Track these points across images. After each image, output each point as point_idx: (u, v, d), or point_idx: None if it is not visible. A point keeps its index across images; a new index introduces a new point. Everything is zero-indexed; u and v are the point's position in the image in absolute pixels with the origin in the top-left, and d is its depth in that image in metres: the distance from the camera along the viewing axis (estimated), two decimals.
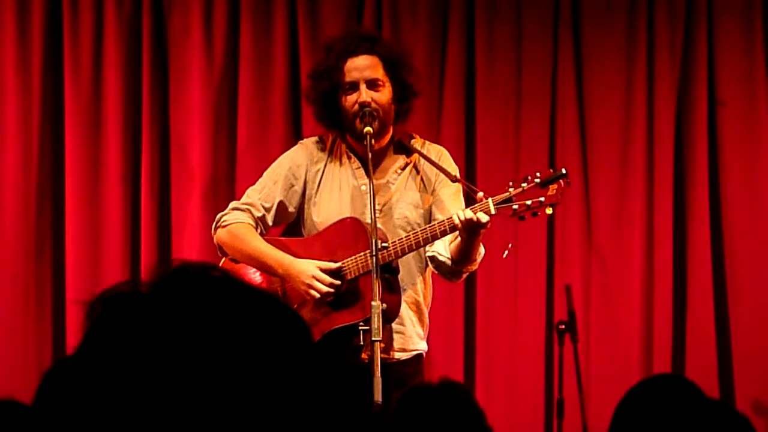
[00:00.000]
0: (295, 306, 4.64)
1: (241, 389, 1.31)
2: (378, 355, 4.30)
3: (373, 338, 4.32)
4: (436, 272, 4.68)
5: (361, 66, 4.65)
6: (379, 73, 4.65)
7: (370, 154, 4.52)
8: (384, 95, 4.65)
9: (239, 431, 1.30)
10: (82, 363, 1.35)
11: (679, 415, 2.38)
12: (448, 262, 4.57)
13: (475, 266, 4.61)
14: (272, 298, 1.39)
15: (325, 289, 4.54)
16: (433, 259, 4.62)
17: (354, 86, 4.64)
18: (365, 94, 4.62)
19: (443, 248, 4.57)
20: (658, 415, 2.42)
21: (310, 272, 4.57)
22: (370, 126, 4.57)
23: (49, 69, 6.07)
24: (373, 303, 4.33)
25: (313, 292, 4.55)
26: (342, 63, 4.66)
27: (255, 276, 4.73)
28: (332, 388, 1.39)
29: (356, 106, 4.62)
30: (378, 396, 4.26)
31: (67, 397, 1.34)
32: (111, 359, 1.32)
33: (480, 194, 4.41)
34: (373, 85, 4.64)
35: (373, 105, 4.61)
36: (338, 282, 4.56)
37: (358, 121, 4.61)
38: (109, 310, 1.35)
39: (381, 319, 4.33)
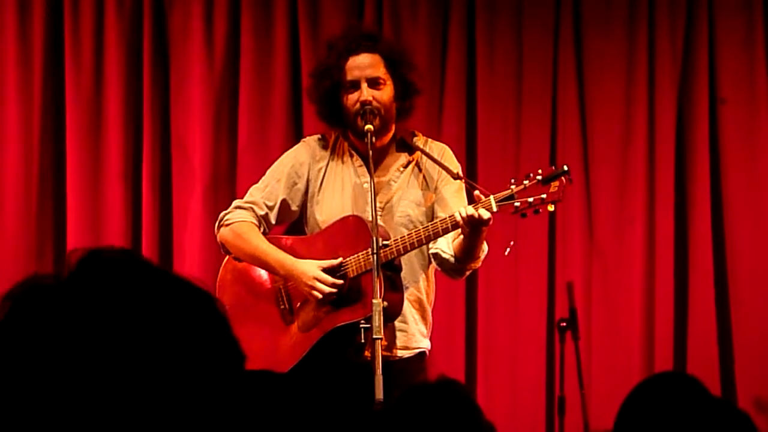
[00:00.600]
0: (298, 305, 4.65)
1: (152, 375, 1.31)
2: (379, 353, 4.30)
3: (375, 336, 4.31)
4: (439, 269, 4.68)
5: (363, 64, 4.65)
6: (380, 71, 4.65)
7: (371, 152, 4.52)
8: (385, 93, 4.65)
9: (152, 421, 1.30)
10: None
11: (685, 414, 2.38)
12: (452, 259, 4.56)
13: (478, 263, 4.60)
14: (186, 282, 1.39)
15: (327, 289, 4.54)
16: (436, 256, 4.62)
17: (355, 85, 4.64)
18: (366, 93, 4.62)
19: (446, 245, 4.57)
20: (663, 413, 2.42)
21: (312, 273, 4.56)
22: (372, 124, 4.57)
23: (49, 67, 6.08)
24: (374, 301, 4.33)
25: (315, 293, 4.55)
26: (343, 61, 4.66)
27: (259, 274, 4.73)
28: (333, 385, 1.39)
29: (357, 105, 4.62)
30: (379, 394, 4.26)
31: None
32: (17, 350, 1.32)
33: (477, 192, 4.40)
34: (374, 83, 4.64)
35: (375, 103, 4.61)
36: (341, 282, 4.56)
37: (359, 119, 4.61)
38: (18, 303, 1.36)
39: (382, 317, 4.33)
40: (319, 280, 4.55)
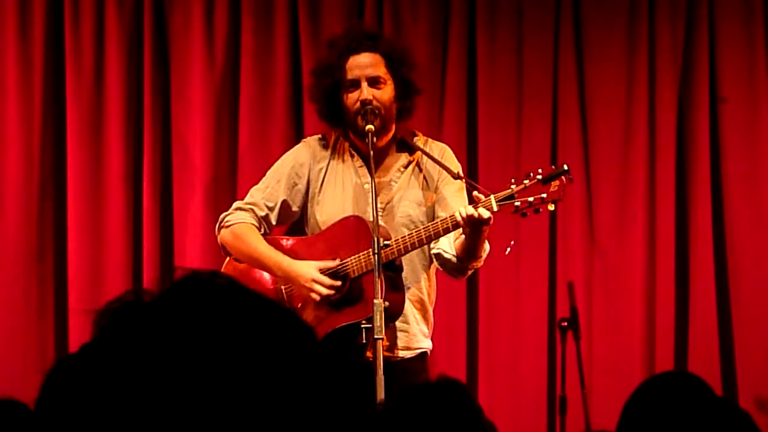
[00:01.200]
0: (299, 305, 4.64)
1: (246, 396, 1.31)
2: (380, 353, 4.30)
3: (376, 336, 4.31)
4: (441, 269, 4.68)
5: (363, 64, 4.65)
6: (380, 70, 4.65)
7: (372, 152, 4.52)
8: (386, 93, 4.64)
9: None
10: (86, 364, 1.35)
11: (688, 413, 2.38)
12: (454, 259, 4.56)
13: (480, 263, 4.60)
14: (277, 305, 1.40)
15: (326, 291, 4.54)
16: (438, 256, 4.62)
17: (356, 84, 4.64)
18: (366, 92, 4.61)
19: (448, 245, 4.57)
20: (667, 413, 2.42)
21: (310, 275, 4.57)
22: (372, 124, 4.57)
23: (50, 68, 6.07)
24: (375, 301, 4.33)
25: (314, 295, 4.55)
26: (344, 61, 4.66)
27: (261, 275, 4.73)
28: (335, 386, 1.40)
29: (358, 104, 4.62)
30: (381, 394, 4.25)
31: (69, 398, 1.34)
32: (115, 363, 1.33)
33: (476, 192, 4.40)
34: (374, 82, 4.64)
35: (375, 103, 4.61)
36: (338, 283, 4.56)
37: (359, 118, 4.61)
38: (118, 318, 1.36)
39: (383, 317, 4.33)
40: (317, 282, 4.55)
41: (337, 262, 4.58)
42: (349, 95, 4.64)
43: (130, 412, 1.30)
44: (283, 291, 4.69)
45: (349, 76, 4.64)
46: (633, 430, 2.45)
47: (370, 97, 4.60)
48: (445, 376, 2.78)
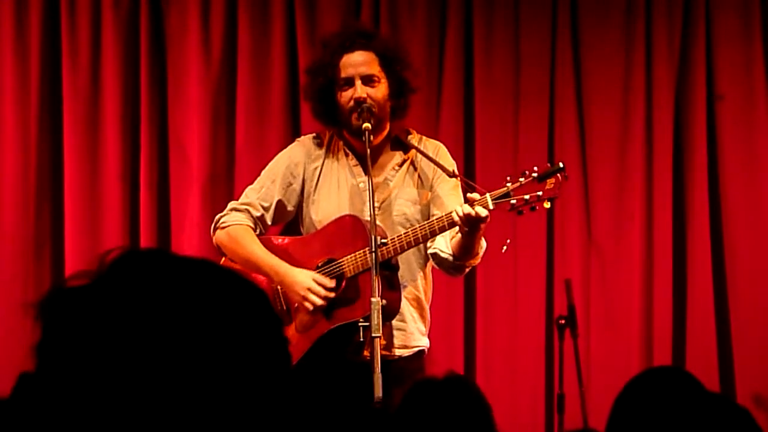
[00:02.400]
0: (296, 305, 4.64)
1: (200, 368, 1.27)
2: (378, 352, 4.30)
3: (373, 335, 4.32)
4: (438, 268, 4.67)
5: (357, 62, 4.65)
6: (374, 69, 4.64)
7: (368, 151, 4.51)
8: (379, 91, 4.64)
9: (192, 415, 1.27)
10: (46, 361, 1.31)
11: (679, 407, 2.38)
12: (450, 258, 4.56)
13: (477, 260, 4.60)
14: (233, 274, 1.34)
15: (320, 301, 4.55)
16: (435, 255, 4.62)
17: (349, 82, 4.64)
18: (360, 90, 4.61)
19: (444, 245, 4.57)
20: (658, 407, 2.42)
21: (306, 284, 4.57)
22: (368, 122, 4.56)
23: (47, 66, 6.07)
24: (372, 299, 4.33)
25: (307, 304, 4.56)
26: (337, 59, 4.66)
27: (256, 274, 4.72)
28: (333, 384, 1.36)
29: (352, 102, 4.61)
30: (379, 392, 4.25)
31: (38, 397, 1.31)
32: (70, 356, 1.28)
33: (472, 193, 4.39)
34: (368, 80, 4.63)
35: (369, 101, 4.60)
36: (332, 294, 4.55)
37: (354, 117, 4.61)
38: (56, 309, 1.31)
39: (381, 316, 4.33)
40: (312, 292, 4.55)
41: (334, 283, 4.57)
42: (343, 93, 4.64)
43: (80, 405, 1.27)
44: (280, 291, 4.68)
45: (343, 74, 4.63)
46: (623, 426, 2.45)
47: (364, 95, 4.59)
48: (454, 373, 2.78)
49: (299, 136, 5.08)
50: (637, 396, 2.51)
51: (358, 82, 4.61)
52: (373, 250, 4.37)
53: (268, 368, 1.31)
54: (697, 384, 2.52)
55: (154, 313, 1.28)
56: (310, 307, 4.55)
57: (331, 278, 4.58)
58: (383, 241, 4.45)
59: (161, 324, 1.27)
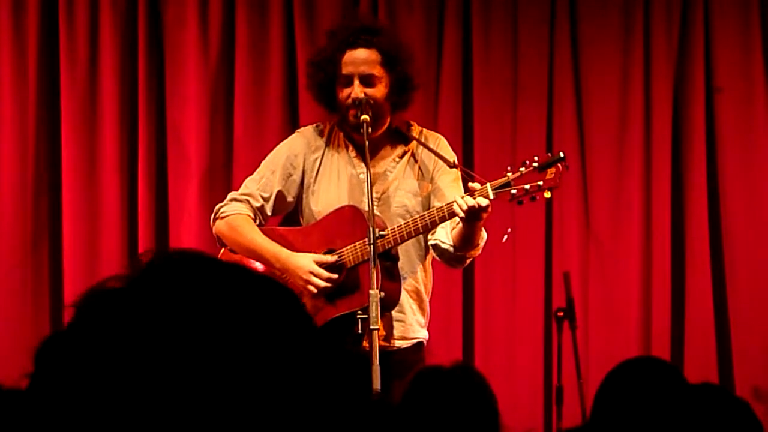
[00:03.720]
0: (296, 294, 4.63)
1: (239, 374, 1.26)
2: (376, 344, 4.30)
3: (372, 326, 4.32)
4: (439, 260, 4.67)
5: (357, 60, 4.63)
6: (375, 68, 4.63)
7: (366, 143, 4.51)
8: (378, 91, 4.63)
9: (238, 420, 1.26)
10: (67, 359, 1.30)
11: (658, 396, 2.38)
12: (451, 249, 4.55)
13: (478, 251, 4.59)
14: (264, 277, 1.34)
15: (323, 284, 4.54)
16: (435, 247, 4.61)
17: (349, 80, 4.63)
18: (358, 90, 4.60)
19: (445, 236, 4.56)
20: (638, 397, 2.43)
21: (308, 267, 4.57)
22: (367, 114, 4.56)
23: (44, 60, 6.06)
24: (371, 291, 4.33)
25: (310, 287, 4.55)
26: (339, 55, 4.65)
27: (256, 265, 4.72)
28: (331, 376, 1.35)
29: (349, 100, 4.61)
30: (377, 384, 4.25)
31: (57, 391, 1.29)
32: (96, 355, 1.26)
33: (472, 183, 4.39)
34: (367, 80, 4.62)
35: (363, 98, 4.59)
36: (335, 276, 4.55)
37: (351, 114, 4.61)
38: (88, 309, 1.30)
39: (379, 308, 4.33)
40: (315, 274, 4.55)
41: (335, 257, 4.57)
42: (342, 90, 4.63)
43: (107, 407, 1.25)
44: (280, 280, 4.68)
45: (343, 71, 4.63)
46: (605, 415, 2.46)
47: (361, 96, 4.59)
48: (462, 363, 2.78)
49: (297, 128, 5.08)
50: (616, 386, 2.53)
51: (356, 81, 4.61)
52: (372, 242, 4.37)
53: (305, 372, 1.30)
54: (676, 373, 2.53)
55: (187, 318, 1.27)
56: (314, 290, 4.54)
57: (331, 268, 4.58)
58: (382, 232, 4.44)
59: (195, 328, 1.26)
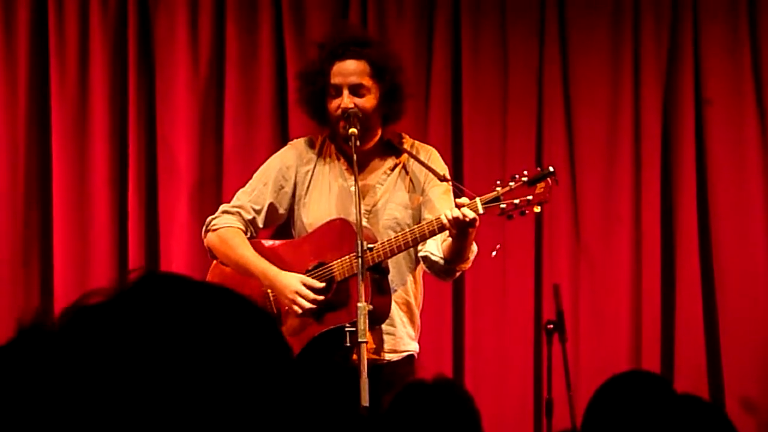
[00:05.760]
0: (285, 309, 4.64)
1: (208, 393, 1.27)
2: (365, 357, 4.30)
3: (360, 339, 4.31)
4: (429, 272, 4.67)
5: (346, 71, 4.64)
6: (364, 79, 4.63)
7: (355, 156, 4.51)
8: (368, 101, 4.63)
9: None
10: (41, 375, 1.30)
11: (649, 410, 2.39)
12: (441, 261, 4.55)
13: (468, 264, 4.59)
14: (245, 302, 1.34)
15: (308, 305, 4.54)
16: (426, 259, 4.61)
17: (338, 90, 4.63)
18: (347, 100, 4.61)
19: (435, 248, 4.56)
20: (628, 412, 2.44)
21: (294, 288, 4.56)
22: (354, 127, 4.56)
23: (34, 73, 6.06)
24: (359, 304, 4.33)
25: (295, 307, 4.55)
26: (328, 66, 4.65)
27: (247, 279, 4.71)
28: (319, 390, 1.36)
29: (338, 111, 4.62)
30: (366, 398, 4.25)
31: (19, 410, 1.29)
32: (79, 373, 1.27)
33: (461, 198, 4.39)
34: (356, 90, 4.62)
35: (355, 110, 4.60)
36: (321, 297, 4.55)
37: (341, 125, 4.61)
38: (70, 324, 1.30)
39: (368, 321, 4.33)
40: (301, 295, 4.55)
41: (322, 284, 4.57)
42: (332, 101, 4.64)
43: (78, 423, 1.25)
44: (270, 295, 4.68)
45: (333, 82, 4.63)
46: (595, 429, 2.46)
47: (351, 106, 4.59)
48: (443, 376, 2.78)
49: (288, 142, 5.07)
50: (607, 401, 2.53)
51: (346, 92, 4.61)
52: (360, 254, 4.37)
53: (276, 395, 1.31)
54: (666, 385, 2.54)
55: (164, 335, 1.28)
56: (299, 311, 4.55)
57: (321, 282, 4.58)
58: (370, 246, 4.44)
59: (170, 346, 1.27)
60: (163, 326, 1.28)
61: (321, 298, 4.54)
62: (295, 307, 4.55)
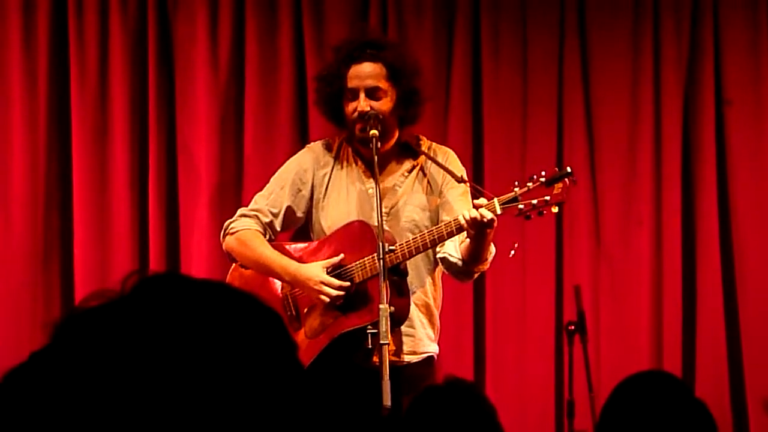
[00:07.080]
0: (305, 311, 4.64)
1: (225, 390, 1.25)
2: (386, 359, 4.30)
3: (381, 341, 4.31)
4: (447, 273, 4.67)
5: (363, 74, 4.64)
6: (380, 82, 4.63)
7: (376, 158, 4.51)
8: (384, 104, 4.63)
9: None
10: (40, 370, 1.30)
11: (665, 411, 2.39)
12: (459, 262, 4.55)
13: (486, 265, 4.59)
14: (251, 299, 1.33)
15: (335, 292, 4.54)
16: (444, 260, 4.61)
17: (355, 93, 4.64)
18: (363, 103, 4.61)
19: (454, 249, 4.56)
20: (644, 411, 2.43)
21: (318, 277, 4.56)
22: (375, 129, 4.56)
23: (55, 77, 6.08)
24: (380, 306, 4.33)
25: (323, 296, 4.55)
26: (345, 69, 4.65)
27: (266, 281, 4.73)
28: (341, 391, 1.35)
29: (355, 114, 4.62)
30: (387, 400, 4.25)
31: (20, 408, 1.28)
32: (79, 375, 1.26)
33: (479, 199, 4.39)
34: (373, 93, 4.62)
35: (375, 112, 4.60)
36: (347, 284, 4.55)
37: (358, 128, 4.61)
38: (73, 324, 1.30)
39: (389, 322, 4.33)
40: (326, 284, 4.55)
41: (341, 257, 4.57)
42: (349, 104, 4.64)
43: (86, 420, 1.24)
44: (289, 297, 4.68)
45: (349, 85, 4.63)
46: (611, 429, 2.46)
47: (367, 109, 4.59)
48: (454, 377, 2.77)
49: (307, 144, 5.08)
50: (623, 401, 2.53)
51: (362, 95, 4.61)
52: (381, 256, 4.38)
53: (282, 394, 1.30)
54: (683, 387, 2.53)
55: (166, 336, 1.27)
56: (326, 299, 4.54)
57: (341, 280, 4.59)
58: (391, 247, 4.45)
59: (173, 346, 1.26)
60: (163, 326, 1.28)
61: (347, 284, 4.54)
62: (322, 297, 4.54)
